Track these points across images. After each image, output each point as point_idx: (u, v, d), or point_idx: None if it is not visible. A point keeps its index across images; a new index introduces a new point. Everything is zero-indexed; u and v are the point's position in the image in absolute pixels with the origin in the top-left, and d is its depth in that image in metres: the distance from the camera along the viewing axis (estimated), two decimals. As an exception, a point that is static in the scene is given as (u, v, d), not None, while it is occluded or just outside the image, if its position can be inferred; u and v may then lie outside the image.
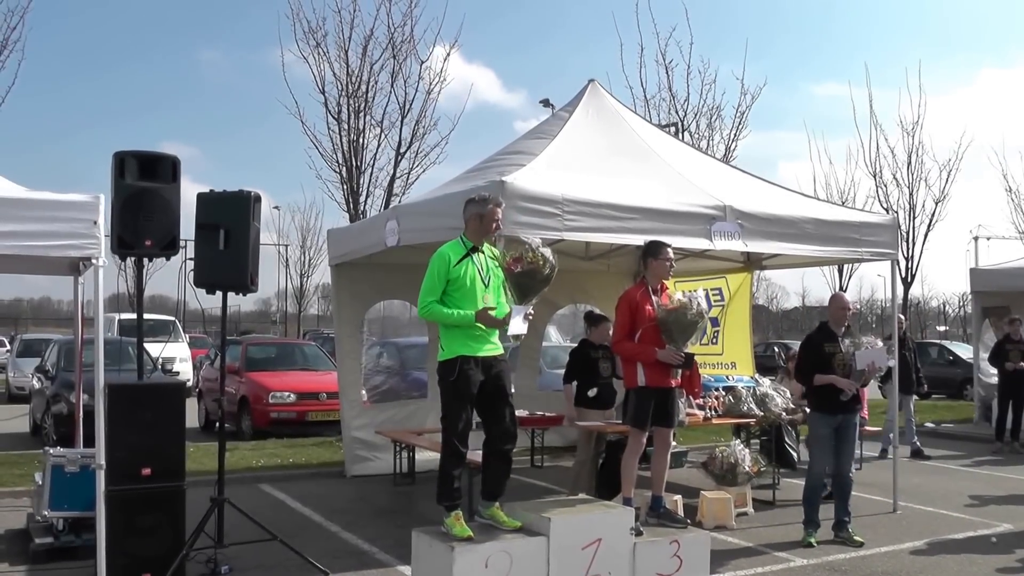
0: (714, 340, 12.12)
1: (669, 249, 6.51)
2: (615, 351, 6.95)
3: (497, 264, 5.54)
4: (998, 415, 13.42)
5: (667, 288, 6.55)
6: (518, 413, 5.99)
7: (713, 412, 9.02)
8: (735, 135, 20.78)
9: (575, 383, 8.81)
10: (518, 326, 5.43)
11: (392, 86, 17.41)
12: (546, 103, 27.13)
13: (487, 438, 5.59)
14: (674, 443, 7.14)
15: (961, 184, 45.57)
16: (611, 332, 7.70)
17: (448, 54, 17.96)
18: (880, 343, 7.68)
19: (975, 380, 16.11)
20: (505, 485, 5.66)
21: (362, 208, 17.28)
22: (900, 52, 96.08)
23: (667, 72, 20.42)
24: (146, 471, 6.01)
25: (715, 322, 11.93)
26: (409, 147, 17.52)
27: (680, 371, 6.43)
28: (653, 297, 6.36)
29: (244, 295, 6.75)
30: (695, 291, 6.39)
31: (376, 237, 8.88)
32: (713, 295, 11.92)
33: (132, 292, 41.08)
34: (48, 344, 17.05)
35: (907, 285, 24.21)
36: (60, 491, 6.75)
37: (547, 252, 5.40)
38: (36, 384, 14.97)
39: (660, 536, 5.84)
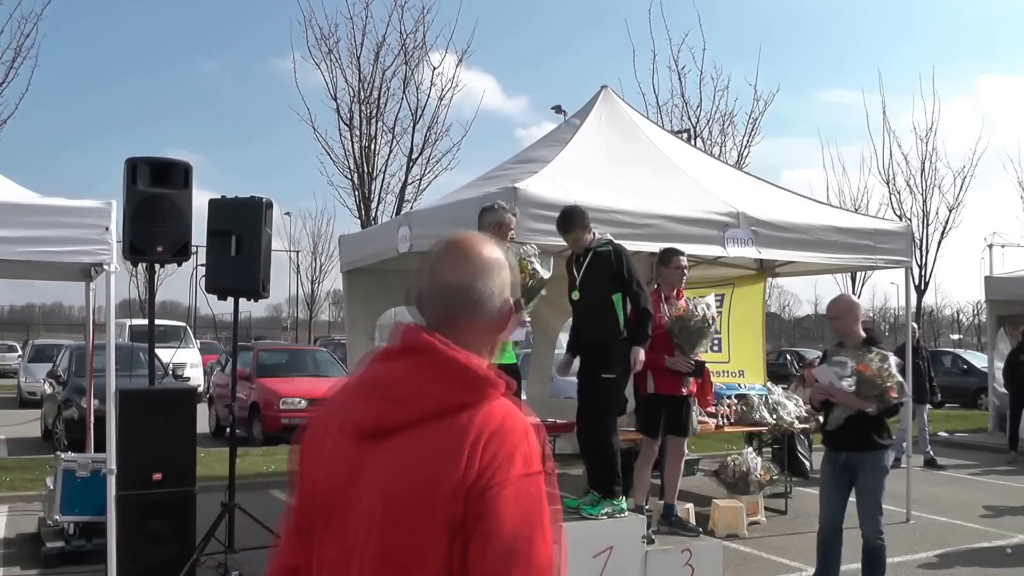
0: (717, 347, 12.04)
1: (682, 257, 6.49)
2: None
3: None
4: (1011, 425, 13.32)
5: (684, 295, 6.53)
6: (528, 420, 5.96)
7: (725, 420, 8.97)
8: (747, 141, 20.78)
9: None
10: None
11: (404, 92, 17.48)
12: (558, 110, 27.21)
13: None
14: (687, 451, 7.09)
15: (976, 191, 45.25)
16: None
17: (460, 60, 18.04)
18: (851, 362, 5.32)
19: (990, 389, 15.98)
20: None
21: (374, 214, 17.34)
22: (912, 58, 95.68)
23: (680, 78, 20.50)
24: (157, 476, 6.03)
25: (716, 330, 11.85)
26: (421, 153, 17.59)
27: (692, 379, 6.40)
28: (664, 305, 6.33)
29: (256, 301, 6.77)
30: (704, 297, 6.35)
31: (388, 243, 8.87)
32: (715, 303, 11.85)
33: (143, 298, 41.41)
34: (59, 349, 17.12)
35: (920, 293, 24.09)
36: (71, 496, 6.78)
37: (537, 263, 5.27)
38: (48, 389, 15.02)
39: (672, 544, 5.84)
